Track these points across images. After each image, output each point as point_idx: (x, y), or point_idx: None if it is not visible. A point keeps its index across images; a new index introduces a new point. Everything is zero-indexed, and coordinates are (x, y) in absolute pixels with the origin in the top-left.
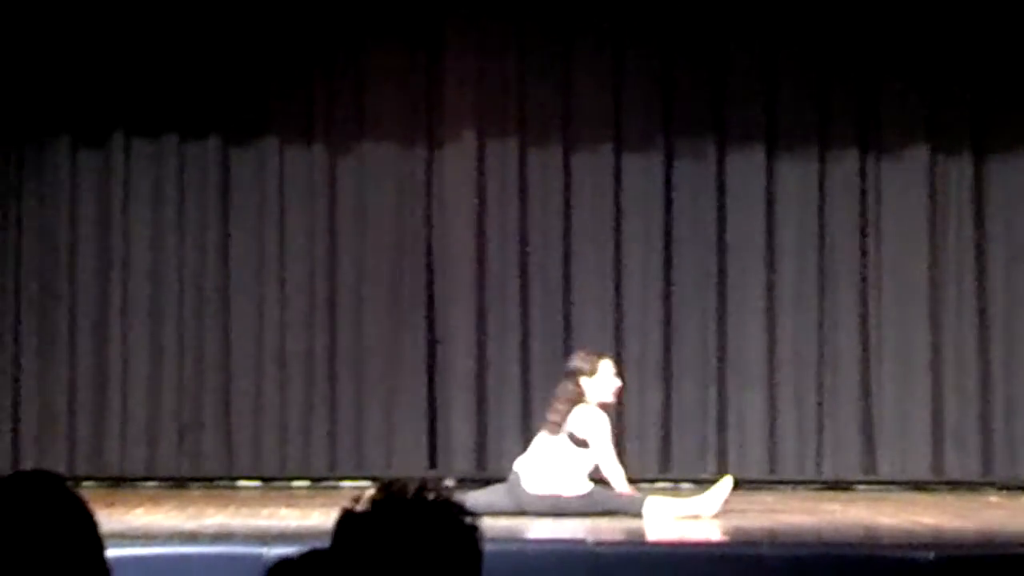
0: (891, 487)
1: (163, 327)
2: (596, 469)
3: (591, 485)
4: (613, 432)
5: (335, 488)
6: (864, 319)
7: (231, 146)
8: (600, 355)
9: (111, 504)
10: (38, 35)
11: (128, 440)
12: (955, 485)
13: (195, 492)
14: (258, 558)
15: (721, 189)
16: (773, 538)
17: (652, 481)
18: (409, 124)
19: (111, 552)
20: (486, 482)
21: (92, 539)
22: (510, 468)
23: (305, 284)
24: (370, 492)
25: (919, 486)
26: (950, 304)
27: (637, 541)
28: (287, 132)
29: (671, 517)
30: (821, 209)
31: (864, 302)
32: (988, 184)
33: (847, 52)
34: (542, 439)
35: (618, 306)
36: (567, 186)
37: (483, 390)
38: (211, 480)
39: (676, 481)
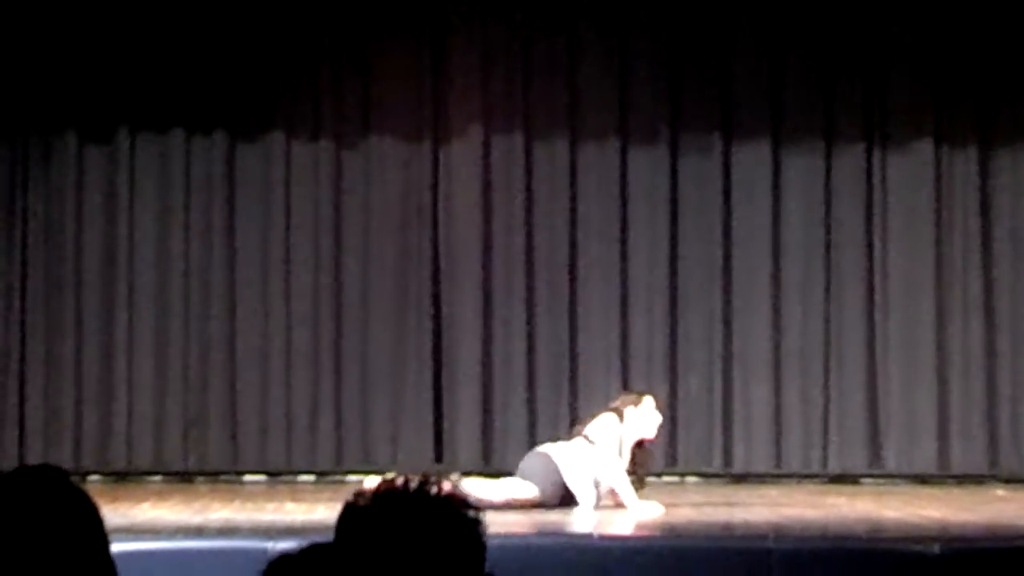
0: (897, 481)
1: (169, 322)
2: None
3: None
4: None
5: (341, 482)
6: (870, 313)
7: (237, 142)
8: (643, 393)
9: (117, 498)
10: (44, 31)
11: (134, 434)
12: (961, 479)
13: (201, 486)
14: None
15: (727, 183)
16: (779, 532)
17: (659, 475)
18: (415, 120)
19: (117, 546)
20: (491, 476)
21: (96, 534)
22: (515, 462)
23: (311, 279)
24: (373, 485)
25: (925, 480)
26: (956, 297)
27: (643, 535)
28: (293, 128)
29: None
30: (827, 203)
31: (870, 296)
32: (994, 178)
33: (853, 46)
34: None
35: (624, 300)
36: (573, 181)
37: (489, 385)
38: (217, 474)
39: (682, 475)
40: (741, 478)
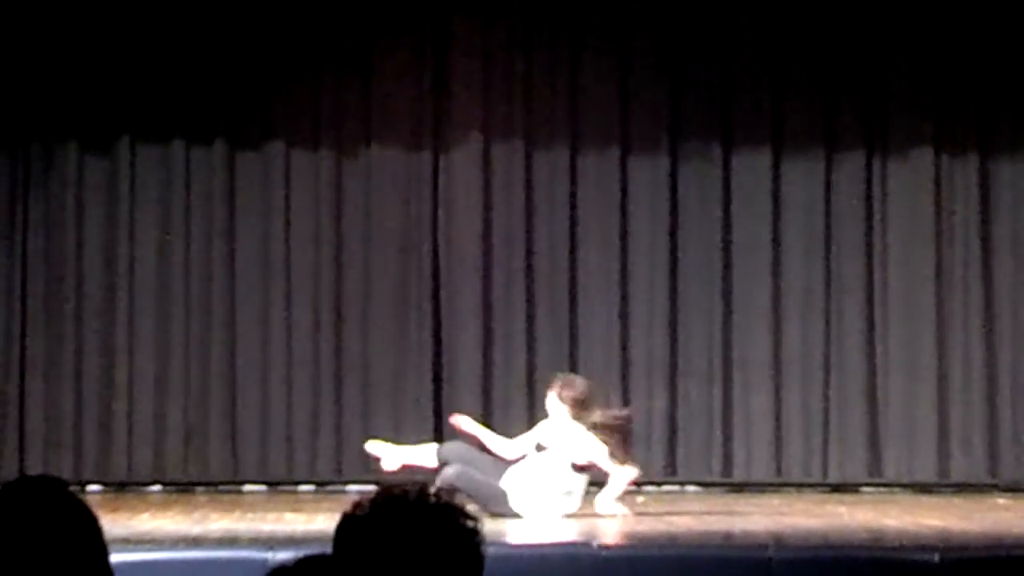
0: (897, 489)
1: (169, 331)
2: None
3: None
4: (619, 434)
5: (341, 492)
6: (870, 321)
7: (237, 150)
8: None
9: (117, 508)
10: (45, 40)
11: (134, 445)
12: (961, 487)
13: (201, 497)
14: (263, 562)
15: (727, 191)
16: (779, 541)
17: (658, 484)
18: (415, 127)
19: (117, 557)
20: None
21: (95, 544)
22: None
23: (311, 288)
24: (371, 495)
25: (925, 488)
26: (956, 305)
27: (642, 544)
28: (293, 136)
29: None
30: (827, 211)
31: (870, 304)
32: (994, 185)
33: (853, 54)
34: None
35: (624, 308)
36: (573, 188)
37: (489, 393)
38: (217, 485)
39: (682, 483)
40: (741, 487)
